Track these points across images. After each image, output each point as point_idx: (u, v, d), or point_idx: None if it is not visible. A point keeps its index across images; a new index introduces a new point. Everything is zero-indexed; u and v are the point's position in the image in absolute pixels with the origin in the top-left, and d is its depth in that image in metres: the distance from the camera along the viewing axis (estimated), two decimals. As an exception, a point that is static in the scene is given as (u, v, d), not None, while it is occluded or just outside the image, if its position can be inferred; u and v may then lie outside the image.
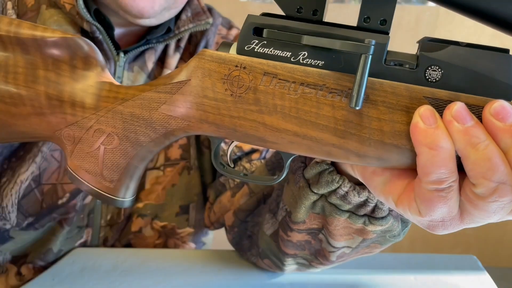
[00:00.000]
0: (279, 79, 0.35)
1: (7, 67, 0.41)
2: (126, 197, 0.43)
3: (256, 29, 0.36)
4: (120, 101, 0.40)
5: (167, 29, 0.71)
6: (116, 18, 0.69)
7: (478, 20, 0.33)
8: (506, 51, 0.33)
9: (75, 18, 0.67)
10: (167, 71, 0.73)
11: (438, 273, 0.69)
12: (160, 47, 0.73)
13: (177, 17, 0.73)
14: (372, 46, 0.32)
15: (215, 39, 0.78)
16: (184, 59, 0.76)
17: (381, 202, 0.45)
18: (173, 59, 0.74)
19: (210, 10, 0.81)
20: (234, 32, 0.80)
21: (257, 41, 0.36)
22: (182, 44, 0.75)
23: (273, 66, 0.36)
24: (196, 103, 0.37)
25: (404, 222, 0.49)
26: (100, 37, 0.67)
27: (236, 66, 0.36)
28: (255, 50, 0.36)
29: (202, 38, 0.77)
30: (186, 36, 0.76)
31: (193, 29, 0.73)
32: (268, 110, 0.36)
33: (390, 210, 0.46)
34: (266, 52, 0.36)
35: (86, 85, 0.41)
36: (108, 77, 0.42)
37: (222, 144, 0.71)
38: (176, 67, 0.75)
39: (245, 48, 0.37)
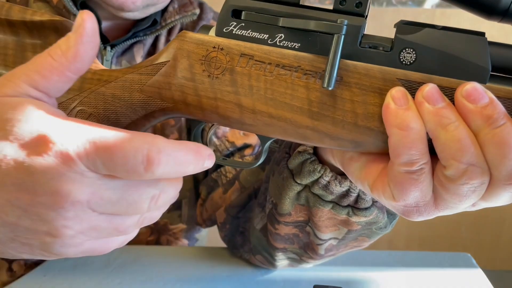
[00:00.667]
0: (255, 60, 0.36)
1: None
2: None
3: (234, 11, 0.37)
4: (104, 83, 0.40)
5: (153, 22, 0.72)
6: (102, 11, 0.70)
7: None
8: (481, 34, 0.33)
9: (62, 12, 0.67)
10: None
11: (432, 271, 0.69)
12: (148, 41, 0.74)
13: (164, 9, 0.73)
14: (345, 26, 0.32)
15: None
16: None
17: (363, 192, 0.45)
18: None
19: (201, 4, 0.81)
20: None
21: (235, 23, 0.37)
22: (172, 37, 0.75)
23: (250, 47, 0.36)
24: (175, 84, 0.38)
25: (391, 214, 0.49)
26: None
27: (214, 47, 0.37)
28: (233, 32, 0.37)
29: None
30: (176, 29, 0.76)
31: (179, 20, 0.73)
32: (244, 91, 0.36)
33: (374, 201, 0.46)
34: (244, 34, 0.37)
35: None
36: (94, 61, 0.42)
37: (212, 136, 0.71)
38: None
39: (224, 30, 0.37)
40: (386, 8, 1.80)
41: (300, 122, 0.36)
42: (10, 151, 0.29)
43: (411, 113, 0.32)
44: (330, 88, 0.33)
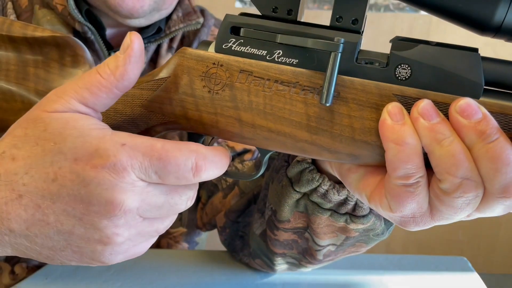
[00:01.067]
0: (255, 76, 0.37)
1: (0, 65, 0.42)
2: None
3: (233, 28, 0.38)
4: None
5: (157, 29, 0.72)
6: (107, 19, 0.70)
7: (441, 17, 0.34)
8: (475, 50, 0.34)
9: (67, 19, 0.68)
10: None
11: (429, 274, 0.70)
12: (152, 48, 0.74)
13: (168, 17, 0.74)
14: (341, 45, 0.33)
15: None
16: None
17: (360, 201, 0.45)
18: (165, 59, 0.75)
19: (202, 11, 0.82)
20: None
21: (234, 40, 0.38)
22: (175, 44, 0.76)
23: (249, 64, 0.37)
24: (175, 100, 0.39)
25: (388, 221, 0.50)
26: (92, 37, 0.68)
27: (214, 63, 0.38)
28: (233, 48, 0.38)
29: (194, 39, 0.78)
30: (178, 36, 0.77)
31: (184, 29, 0.74)
32: (244, 106, 0.37)
33: (372, 209, 0.47)
34: (243, 50, 0.37)
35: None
36: None
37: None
38: None
39: (223, 46, 0.38)
40: (384, 14, 1.82)
41: (298, 137, 0.37)
42: (65, 164, 0.31)
43: (407, 128, 0.32)
44: (327, 104, 0.34)
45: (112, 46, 0.72)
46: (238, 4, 1.83)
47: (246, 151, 0.72)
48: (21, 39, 0.42)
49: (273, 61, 0.37)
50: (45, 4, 0.69)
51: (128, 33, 0.35)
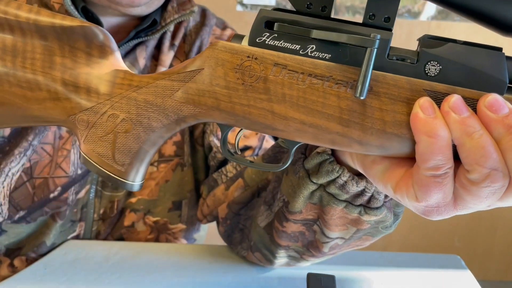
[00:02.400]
0: (289, 70, 0.37)
1: (25, 53, 0.42)
2: (135, 181, 0.45)
3: (267, 22, 0.38)
4: (135, 88, 0.42)
5: (153, 22, 0.73)
6: (105, 14, 0.72)
7: (472, 19, 0.36)
8: (499, 49, 0.36)
9: None
10: (161, 68, 0.75)
11: (422, 271, 0.71)
12: (151, 43, 0.75)
13: (164, 9, 0.75)
14: (377, 41, 0.34)
15: (209, 39, 0.80)
16: (178, 57, 0.78)
17: (377, 192, 0.47)
18: (167, 56, 0.76)
19: (204, 10, 0.83)
20: (228, 32, 0.83)
21: (268, 34, 0.38)
22: (177, 42, 0.77)
23: (283, 57, 0.38)
24: (209, 91, 0.39)
25: (395, 215, 0.51)
26: None
27: (248, 56, 0.38)
28: (266, 42, 0.38)
29: (196, 38, 0.79)
30: (180, 33, 0.78)
31: (178, 19, 0.75)
32: (277, 99, 0.38)
33: (385, 201, 0.48)
34: (276, 44, 0.38)
35: (101, 72, 0.43)
36: (122, 65, 0.44)
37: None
38: (170, 64, 0.77)
39: (257, 40, 0.39)
40: (383, 20, 1.83)
41: (330, 129, 0.38)
42: None
43: (438, 121, 0.34)
44: (362, 98, 0.35)
45: None
46: (239, 8, 1.84)
47: (246, 148, 0.73)
48: (48, 27, 0.42)
49: (306, 55, 0.38)
50: (43, 3, 0.71)
51: None
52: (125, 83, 0.42)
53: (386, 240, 2.12)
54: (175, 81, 0.40)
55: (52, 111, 0.43)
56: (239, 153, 0.48)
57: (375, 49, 0.34)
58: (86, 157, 0.44)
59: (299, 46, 0.38)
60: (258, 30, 0.39)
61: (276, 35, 0.38)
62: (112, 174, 0.44)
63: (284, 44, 0.38)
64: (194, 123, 0.42)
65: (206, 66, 0.39)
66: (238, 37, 0.40)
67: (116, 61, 0.44)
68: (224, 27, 0.83)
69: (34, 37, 0.42)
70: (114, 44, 0.44)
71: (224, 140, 0.45)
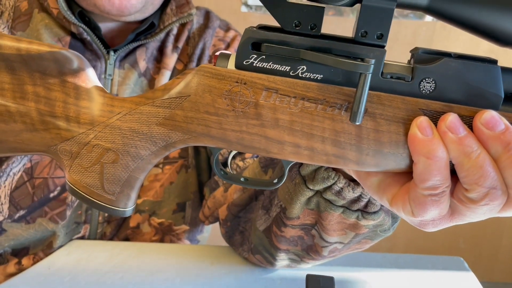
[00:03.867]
0: (280, 94, 0.36)
1: None
2: (127, 207, 0.43)
3: (254, 44, 0.36)
4: (117, 116, 0.40)
5: (151, 24, 0.74)
6: (101, 20, 0.72)
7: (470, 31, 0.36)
8: (494, 62, 0.35)
9: (62, 22, 0.70)
10: (164, 71, 0.75)
11: (425, 273, 0.70)
12: (152, 45, 0.76)
13: (163, 11, 0.76)
14: (372, 66, 0.33)
15: (212, 41, 0.80)
16: (181, 59, 0.78)
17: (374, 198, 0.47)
18: (171, 59, 0.76)
19: (208, 13, 0.84)
20: (231, 34, 0.83)
21: (255, 56, 0.36)
22: (180, 44, 0.78)
23: (274, 81, 0.36)
24: (197, 118, 0.38)
25: (393, 217, 0.51)
26: (88, 38, 0.70)
27: (237, 82, 0.36)
28: (254, 64, 0.36)
29: (199, 40, 0.79)
30: (183, 36, 0.78)
31: (177, 22, 0.75)
32: (270, 124, 0.37)
33: (382, 206, 0.48)
34: (265, 66, 0.36)
35: (79, 98, 0.40)
36: (100, 89, 0.41)
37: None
38: (174, 67, 0.77)
39: (244, 62, 0.37)
40: (388, 20, 1.83)
41: (326, 151, 0.37)
42: None
43: (436, 142, 0.34)
44: (358, 123, 0.34)
45: (110, 45, 0.74)
46: (244, 9, 1.85)
47: None
48: (14, 55, 0.38)
49: (297, 77, 0.36)
50: (44, 8, 0.71)
51: None
52: (106, 110, 0.40)
53: (391, 242, 2.11)
54: (160, 107, 0.38)
55: (30, 142, 0.41)
56: (233, 172, 0.47)
57: (370, 75, 0.33)
58: (74, 188, 0.42)
59: (289, 68, 0.36)
60: (244, 52, 0.36)
61: (264, 56, 0.36)
62: (103, 203, 0.42)
63: (273, 66, 0.36)
64: (183, 146, 0.41)
65: (192, 93, 0.37)
66: (223, 57, 0.38)
67: (94, 85, 0.41)
68: (227, 28, 0.84)
69: (0, 66, 0.39)
70: (89, 67, 0.41)
71: (216, 161, 0.43)
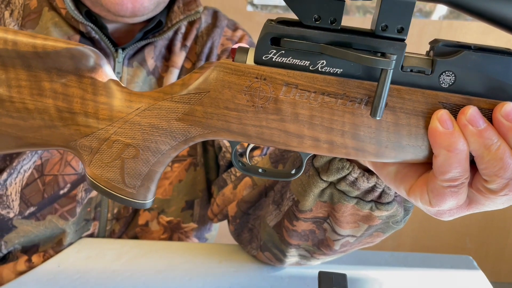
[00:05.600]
0: (300, 89, 0.36)
1: (9, 81, 0.39)
2: (147, 199, 0.44)
3: (273, 39, 0.36)
4: (136, 111, 0.40)
5: (159, 23, 0.74)
6: (108, 21, 0.73)
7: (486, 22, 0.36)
8: None
9: (71, 21, 0.71)
10: (173, 69, 0.76)
11: (434, 272, 0.70)
12: (160, 43, 0.76)
13: (170, 9, 0.76)
14: (394, 62, 0.33)
15: (220, 41, 0.81)
16: (189, 58, 0.79)
17: (388, 187, 0.47)
18: (179, 57, 0.77)
19: (216, 12, 0.84)
20: (239, 33, 0.83)
21: (275, 51, 0.36)
22: (188, 43, 0.78)
23: (293, 76, 0.36)
24: (217, 114, 0.38)
25: (405, 210, 0.51)
26: (97, 36, 0.71)
27: (256, 77, 0.36)
28: (273, 59, 0.36)
29: (208, 39, 0.79)
30: (192, 35, 0.79)
31: (184, 20, 0.75)
32: (289, 118, 0.37)
33: (395, 196, 0.48)
34: (284, 61, 0.36)
35: (96, 94, 0.40)
36: (117, 84, 0.41)
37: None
38: (182, 66, 0.77)
39: (263, 57, 0.36)
40: (394, 19, 1.82)
41: (345, 144, 0.37)
42: None
43: (457, 135, 0.34)
44: (378, 118, 0.34)
45: (118, 43, 0.74)
46: (249, 8, 1.85)
47: (255, 148, 0.74)
48: (30, 52, 0.38)
49: (316, 71, 0.36)
50: (53, 7, 0.72)
51: None
52: (124, 105, 0.40)
53: (397, 241, 2.10)
54: (179, 102, 0.38)
55: (50, 138, 0.41)
56: (249, 163, 0.47)
57: (391, 70, 0.33)
58: (95, 182, 0.42)
59: (309, 62, 0.36)
60: (264, 47, 0.36)
61: (283, 51, 0.36)
62: (124, 196, 0.42)
63: (292, 61, 0.36)
64: (202, 140, 0.41)
65: (211, 89, 0.37)
66: (242, 52, 0.38)
67: (111, 80, 0.41)
68: (235, 28, 0.84)
69: (16, 64, 0.39)
70: (105, 62, 0.41)
71: (235, 154, 0.43)
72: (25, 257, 0.73)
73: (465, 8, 0.34)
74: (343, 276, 0.47)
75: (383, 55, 0.34)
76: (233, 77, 0.37)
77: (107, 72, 0.41)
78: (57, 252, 0.72)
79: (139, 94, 0.40)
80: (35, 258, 0.73)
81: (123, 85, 0.41)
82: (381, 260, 0.72)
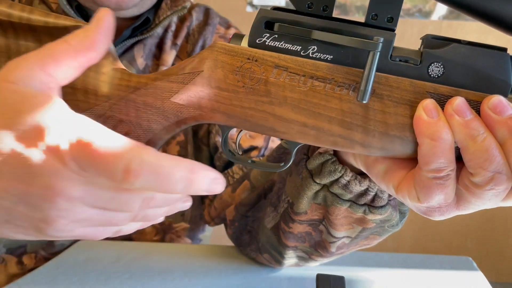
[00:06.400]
0: (290, 72, 0.37)
1: (19, 54, 0.40)
2: None
3: (267, 23, 0.38)
4: (132, 90, 0.41)
5: (146, 20, 0.74)
6: (93, 8, 0.72)
7: (482, 21, 0.36)
8: (504, 49, 0.35)
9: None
10: (163, 68, 0.76)
11: (434, 273, 0.70)
12: (149, 41, 0.76)
13: (158, 6, 0.76)
14: (380, 44, 0.34)
15: (213, 38, 0.80)
16: (180, 56, 0.78)
17: (380, 191, 0.47)
18: (169, 55, 0.76)
19: (207, 10, 0.83)
20: (232, 31, 0.83)
21: (268, 35, 0.37)
22: (179, 41, 0.78)
23: (284, 59, 0.37)
24: (208, 94, 0.39)
25: (401, 213, 0.51)
26: None
27: (248, 58, 0.37)
28: (266, 43, 0.38)
29: (199, 37, 0.79)
30: (182, 33, 0.78)
31: (171, 16, 0.75)
32: (278, 101, 0.37)
33: (389, 200, 0.48)
34: (277, 45, 0.37)
35: (99, 73, 0.41)
36: (119, 65, 0.43)
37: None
38: (173, 64, 0.77)
39: (257, 41, 0.38)
40: (394, 20, 1.83)
41: (332, 131, 0.37)
42: (8, 141, 0.29)
43: (442, 124, 0.34)
44: (364, 102, 0.35)
45: None
46: (249, 9, 1.85)
47: (253, 148, 0.74)
48: (42, 28, 0.40)
49: (307, 56, 0.37)
50: (43, 0, 0.72)
51: (99, 8, 0.35)
52: (123, 84, 0.41)
53: (397, 241, 2.10)
54: (174, 82, 0.39)
55: None
56: (240, 153, 0.47)
57: (378, 53, 0.34)
58: None
59: (300, 47, 0.37)
60: (258, 31, 0.38)
61: (276, 36, 0.37)
62: None
63: (284, 45, 0.37)
64: (194, 123, 0.42)
65: (205, 68, 0.38)
66: (237, 37, 0.39)
67: (114, 61, 0.42)
68: (228, 26, 0.84)
69: (28, 37, 0.41)
70: (111, 44, 0.42)
71: (225, 141, 0.44)
72: (15, 259, 0.73)
73: (460, 5, 0.35)
74: (341, 278, 0.47)
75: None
76: (226, 57, 0.38)
77: (111, 53, 0.42)
78: (49, 253, 0.72)
79: (138, 76, 0.42)
80: (26, 260, 0.73)
81: (123, 66, 0.43)
82: (380, 261, 0.72)
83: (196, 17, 0.81)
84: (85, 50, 0.34)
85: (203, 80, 0.38)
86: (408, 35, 1.82)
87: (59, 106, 0.31)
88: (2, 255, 0.74)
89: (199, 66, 0.39)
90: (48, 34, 0.41)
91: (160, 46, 0.77)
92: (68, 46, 0.34)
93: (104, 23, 0.35)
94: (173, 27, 0.78)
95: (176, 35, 0.78)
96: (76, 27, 0.40)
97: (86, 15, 0.71)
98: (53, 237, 0.33)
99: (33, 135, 0.29)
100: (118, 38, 0.74)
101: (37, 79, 0.32)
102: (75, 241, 0.74)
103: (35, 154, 0.29)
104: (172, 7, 0.75)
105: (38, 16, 0.40)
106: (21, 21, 0.40)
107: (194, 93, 0.39)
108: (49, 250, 0.73)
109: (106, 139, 0.29)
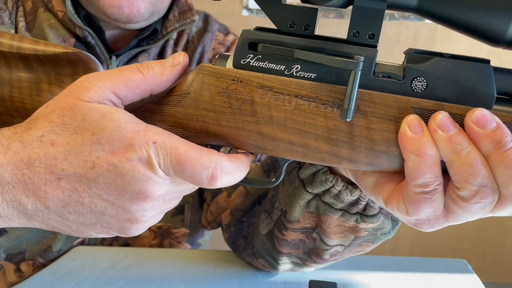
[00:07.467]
0: (275, 92, 0.37)
1: (12, 82, 0.42)
2: None
3: (251, 44, 0.38)
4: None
5: (154, 31, 0.75)
6: (105, 23, 0.73)
7: (457, 30, 0.36)
8: (486, 61, 0.35)
9: (67, 25, 0.71)
10: None
11: (429, 276, 0.70)
12: (153, 51, 0.76)
13: (165, 17, 0.76)
14: (361, 63, 0.34)
15: (212, 45, 0.81)
16: None
17: (372, 200, 0.47)
18: None
19: (206, 17, 0.84)
20: (230, 37, 0.83)
21: (252, 55, 0.38)
22: (179, 49, 0.78)
23: (269, 79, 0.37)
24: (196, 115, 0.39)
25: (394, 220, 0.51)
26: (93, 41, 0.71)
27: (233, 80, 0.38)
28: (251, 64, 0.38)
29: (199, 44, 0.80)
30: (182, 40, 0.79)
31: (179, 28, 0.76)
32: (264, 121, 0.38)
33: (381, 208, 0.48)
34: (261, 65, 0.38)
35: None
36: None
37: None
38: None
39: (241, 62, 0.38)
40: (389, 22, 1.83)
41: (319, 148, 0.38)
42: (102, 155, 0.34)
43: (426, 140, 0.34)
44: (348, 120, 0.35)
45: (113, 49, 0.75)
46: (245, 13, 1.85)
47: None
48: (32, 56, 0.41)
49: (291, 75, 0.37)
50: (48, 9, 0.72)
51: (181, 52, 0.38)
52: None
53: (395, 244, 2.11)
54: (162, 104, 0.40)
55: None
56: None
57: (359, 72, 0.34)
58: None
59: (284, 67, 0.38)
60: (242, 52, 0.38)
61: (260, 56, 0.38)
62: None
63: (269, 65, 0.38)
64: None
65: (192, 91, 0.39)
66: (222, 58, 0.40)
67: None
68: (227, 32, 0.84)
69: (19, 66, 0.42)
70: (100, 68, 0.43)
71: None
72: (13, 267, 0.73)
73: (434, 16, 0.35)
74: (334, 284, 0.48)
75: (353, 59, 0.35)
76: (211, 79, 0.38)
77: None
78: (46, 260, 0.72)
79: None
80: (24, 267, 0.73)
81: None
82: (375, 265, 0.72)
83: (195, 24, 0.82)
84: (156, 87, 0.38)
85: (191, 102, 0.39)
86: (403, 38, 1.83)
87: (135, 120, 0.35)
88: (0, 261, 0.74)
89: (186, 89, 0.39)
90: (38, 61, 0.42)
91: (161, 55, 0.77)
92: (142, 78, 0.37)
93: (181, 68, 0.38)
94: (174, 36, 0.79)
95: (176, 43, 0.79)
96: (65, 54, 0.42)
97: (93, 24, 0.72)
98: (132, 234, 0.38)
99: (123, 149, 0.34)
100: (124, 47, 0.74)
101: (108, 100, 0.36)
102: (71, 247, 0.74)
103: (129, 166, 0.34)
104: (180, 19, 0.76)
105: (28, 45, 0.41)
106: (12, 50, 0.41)
107: (183, 115, 0.39)
108: (46, 257, 0.73)
109: (189, 148, 0.35)
